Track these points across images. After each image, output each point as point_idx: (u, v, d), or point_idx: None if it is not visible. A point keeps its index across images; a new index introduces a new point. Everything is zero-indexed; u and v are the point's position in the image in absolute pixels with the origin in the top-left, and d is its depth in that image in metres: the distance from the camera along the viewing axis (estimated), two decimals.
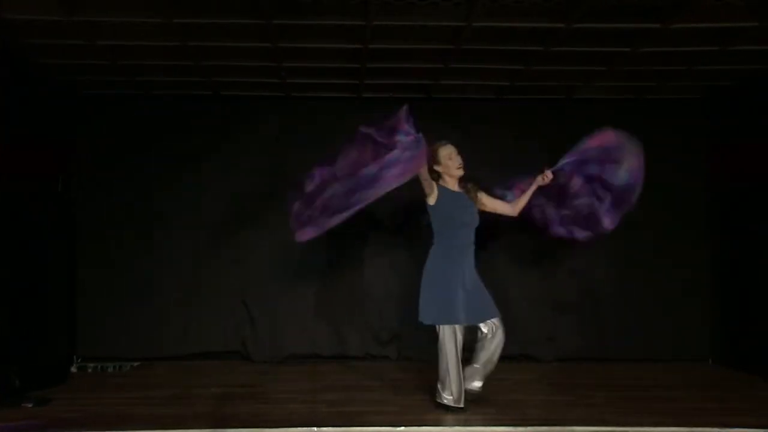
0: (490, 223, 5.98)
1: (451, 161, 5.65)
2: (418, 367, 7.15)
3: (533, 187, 5.75)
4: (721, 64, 6.36)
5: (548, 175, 5.65)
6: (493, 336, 5.55)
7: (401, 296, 7.45)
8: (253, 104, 7.56)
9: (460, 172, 5.68)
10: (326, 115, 7.55)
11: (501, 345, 5.58)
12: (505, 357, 7.21)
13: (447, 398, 5.44)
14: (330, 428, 4.96)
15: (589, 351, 7.44)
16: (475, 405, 5.53)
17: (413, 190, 7.52)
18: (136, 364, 7.23)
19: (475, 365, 5.59)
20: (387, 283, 7.52)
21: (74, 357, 7.25)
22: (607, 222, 5.67)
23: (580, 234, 5.85)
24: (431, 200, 5.62)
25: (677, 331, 7.45)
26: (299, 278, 7.46)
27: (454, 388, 5.42)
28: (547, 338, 7.49)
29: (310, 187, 5.39)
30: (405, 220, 7.55)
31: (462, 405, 5.41)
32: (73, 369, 7.10)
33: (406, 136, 5.11)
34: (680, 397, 5.90)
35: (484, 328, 5.56)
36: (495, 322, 5.55)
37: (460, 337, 5.46)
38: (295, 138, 7.55)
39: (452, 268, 5.50)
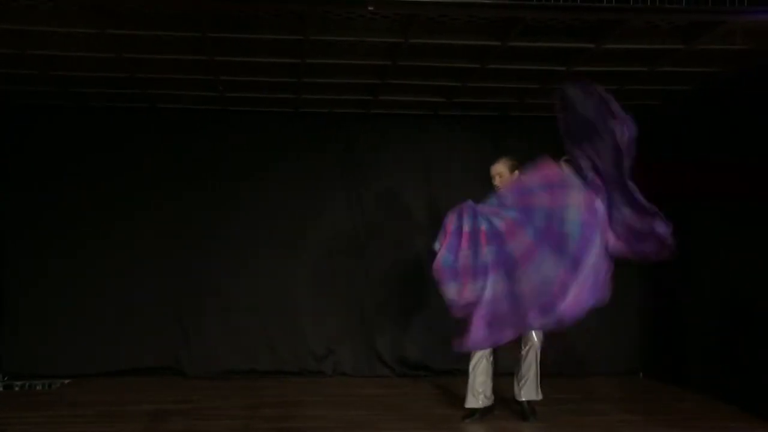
0: None
1: None
2: (354, 383, 7.16)
3: None
4: (649, 84, 6.56)
5: None
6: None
7: (336, 311, 7.45)
8: (189, 117, 7.48)
9: None
10: (264, 130, 7.53)
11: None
12: (440, 372, 7.35)
13: None
14: None
15: None
16: (391, 420, 5.63)
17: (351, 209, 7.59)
18: (66, 381, 7.04)
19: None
20: (322, 298, 7.48)
21: (0, 375, 7.02)
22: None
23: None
24: None
25: (609, 344, 7.56)
26: (233, 293, 7.38)
27: None
28: None
29: None
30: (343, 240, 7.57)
31: None
32: None
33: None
34: (608, 410, 6.01)
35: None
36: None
37: None
38: (232, 152, 7.50)
39: None
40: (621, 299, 7.55)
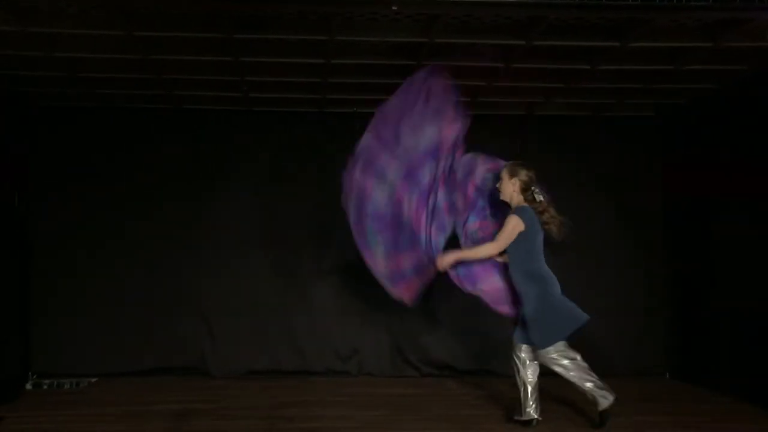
0: None
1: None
2: (379, 383, 7.15)
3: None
4: (675, 83, 6.49)
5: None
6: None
7: (361, 311, 7.43)
8: (215, 118, 7.51)
9: None
10: (289, 130, 7.54)
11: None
12: (465, 372, 7.35)
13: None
14: None
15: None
16: (413, 421, 5.63)
17: None
18: (93, 380, 7.10)
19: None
20: (347, 298, 7.47)
21: (29, 374, 7.10)
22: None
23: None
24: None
25: (636, 345, 7.51)
26: (259, 293, 7.40)
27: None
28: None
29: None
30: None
31: None
32: (28, 386, 6.94)
33: None
34: (631, 411, 5.94)
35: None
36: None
37: None
38: (257, 152, 7.52)
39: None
40: (648, 300, 7.57)
